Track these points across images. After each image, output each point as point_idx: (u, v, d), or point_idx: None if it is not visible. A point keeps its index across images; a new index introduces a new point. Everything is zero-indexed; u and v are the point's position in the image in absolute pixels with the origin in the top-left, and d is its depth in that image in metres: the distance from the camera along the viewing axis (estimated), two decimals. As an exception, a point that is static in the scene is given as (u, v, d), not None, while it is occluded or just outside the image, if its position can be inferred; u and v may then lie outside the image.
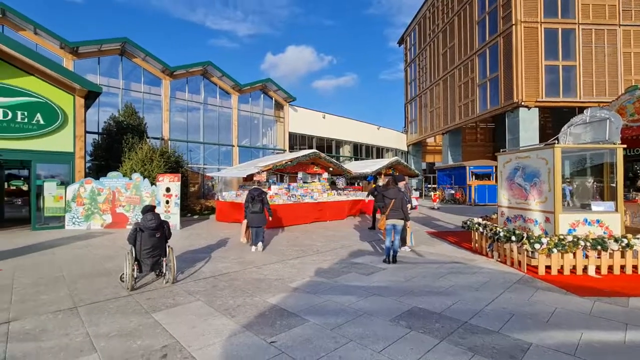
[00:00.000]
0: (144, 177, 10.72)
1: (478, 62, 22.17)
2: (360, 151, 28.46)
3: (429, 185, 31.29)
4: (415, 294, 4.35)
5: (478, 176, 21.51)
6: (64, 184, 10.18)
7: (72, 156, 10.37)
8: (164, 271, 4.85)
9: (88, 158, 12.87)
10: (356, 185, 17.92)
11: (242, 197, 11.51)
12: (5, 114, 9.23)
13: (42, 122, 9.77)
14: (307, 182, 12.65)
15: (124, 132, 13.16)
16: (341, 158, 26.50)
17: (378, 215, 10.19)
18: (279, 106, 22.01)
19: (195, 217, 13.64)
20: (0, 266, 5.73)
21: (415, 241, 7.51)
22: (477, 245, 6.91)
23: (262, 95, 21.00)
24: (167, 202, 9.98)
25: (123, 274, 4.67)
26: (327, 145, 25.40)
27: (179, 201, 10.26)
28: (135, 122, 14.06)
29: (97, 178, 10.48)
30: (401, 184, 6.46)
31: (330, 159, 13.38)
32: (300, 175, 12.44)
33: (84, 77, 10.84)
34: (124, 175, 10.77)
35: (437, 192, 20.51)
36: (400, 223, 6.00)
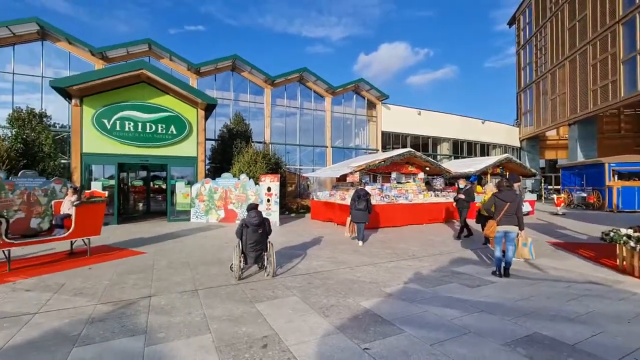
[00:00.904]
0: (250, 178, 11.94)
1: (622, 33, 17.69)
2: (461, 149, 25.97)
3: (550, 187, 26.52)
4: (536, 317, 3.64)
5: (623, 175, 17.14)
6: (190, 183, 12.13)
7: (195, 160, 12.28)
8: (265, 264, 5.25)
9: (207, 161, 15.02)
10: (456, 185, 16.36)
11: (334, 197, 11.75)
12: (150, 127, 11.51)
13: (174, 132, 11.84)
14: (401, 183, 12.13)
15: (234, 138, 14.94)
16: (439, 157, 24.68)
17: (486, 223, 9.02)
18: (371, 105, 21.79)
19: (292, 215, 14.54)
20: (146, 250, 7.11)
21: (534, 253, 6.36)
22: (624, 263, 5.44)
23: (354, 96, 21.13)
24: (268, 200, 10.89)
25: (232, 264, 5.22)
26: (423, 144, 23.98)
27: (278, 200, 11.09)
28: (242, 128, 15.82)
29: (213, 178, 12.14)
30: (516, 186, 5.56)
31: (426, 157, 12.54)
32: (393, 175, 12.01)
33: (204, 93, 12.73)
34: (234, 176, 12.21)
35: (562, 195, 17.14)
36: (514, 230, 5.16)
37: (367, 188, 10.95)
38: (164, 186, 16.41)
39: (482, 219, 7.95)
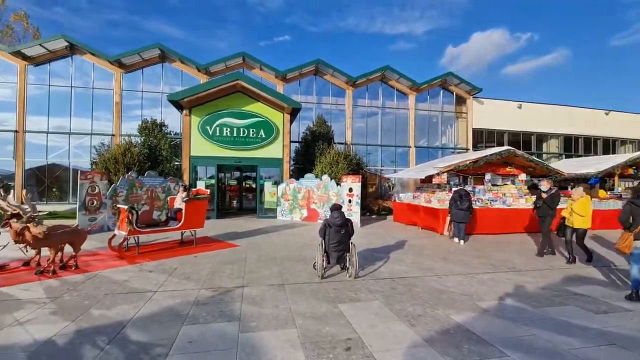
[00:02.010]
0: (331, 178, 12.16)
1: None
2: (575, 146, 21.96)
3: None
4: (700, 363, 2.78)
5: None
6: (276, 183, 12.96)
7: (281, 161, 13.07)
8: (347, 265, 5.22)
9: (291, 162, 15.84)
10: (569, 189, 13.86)
11: (419, 200, 11.14)
12: (243, 132, 12.68)
13: (263, 136, 12.81)
14: (496, 185, 10.82)
15: (316, 140, 15.43)
16: (544, 155, 21.34)
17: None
18: (460, 101, 20.07)
19: (373, 216, 14.30)
20: (239, 243, 7.82)
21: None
22: None
23: (441, 92, 19.76)
24: (350, 201, 10.91)
25: (315, 262, 5.35)
26: (524, 141, 21.02)
27: (359, 200, 11.02)
28: (324, 130, 16.24)
29: (297, 179, 12.74)
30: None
31: (530, 156, 10.91)
32: (487, 176, 10.78)
33: (290, 98, 13.48)
34: (316, 177, 12.60)
35: None
36: (659, 247, 4.07)
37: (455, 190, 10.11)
38: (253, 185, 17.91)
39: (565, 230, 6.56)
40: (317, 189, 12.00)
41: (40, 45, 14.83)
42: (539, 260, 6.58)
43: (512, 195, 10.21)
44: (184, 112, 12.47)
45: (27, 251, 5.40)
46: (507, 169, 11.06)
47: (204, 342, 3.04)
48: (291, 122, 13.77)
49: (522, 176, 11.05)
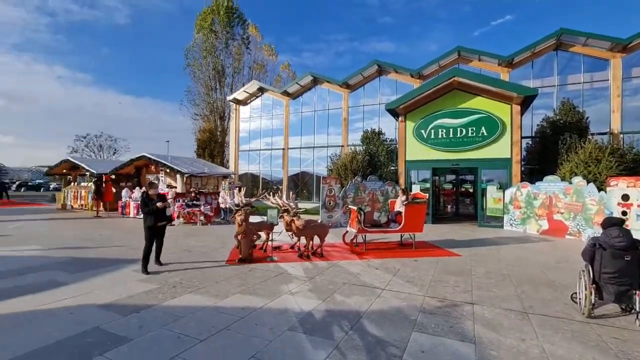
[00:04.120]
0: (588, 181, 9.06)
1: None
2: None
3: None
4: None
5: None
6: (502, 187, 11.09)
7: (509, 161, 11.08)
8: (636, 309, 3.57)
9: (521, 162, 13.15)
10: None
11: None
12: (460, 132, 11.71)
13: (485, 133, 11.32)
14: None
15: (560, 132, 12.01)
16: None
17: None
18: None
19: (671, 238, 9.46)
20: (460, 252, 7.15)
21: None
22: None
23: None
24: (625, 213, 7.67)
25: (575, 293, 4.03)
26: None
27: (643, 213, 7.58)
28: (573, 118, 12.43)
29: (531, 182, 10.38)
30: None
31: None
32: None
33: (520, 85, 11.25)
34: (562, 179, 9.79)
35: None
36: None
37: None
38: (471, 190, 16.27)
39: None
40: (565, 195, 9.27)
41: (296, 83, 19.84)
42: None
43: None
44: (400, 118, 13.00)
45: (292, 238, 7.16)
46: None
47: (437, 356, 2.84)
48: (522, 114, 11.45)
49: None
